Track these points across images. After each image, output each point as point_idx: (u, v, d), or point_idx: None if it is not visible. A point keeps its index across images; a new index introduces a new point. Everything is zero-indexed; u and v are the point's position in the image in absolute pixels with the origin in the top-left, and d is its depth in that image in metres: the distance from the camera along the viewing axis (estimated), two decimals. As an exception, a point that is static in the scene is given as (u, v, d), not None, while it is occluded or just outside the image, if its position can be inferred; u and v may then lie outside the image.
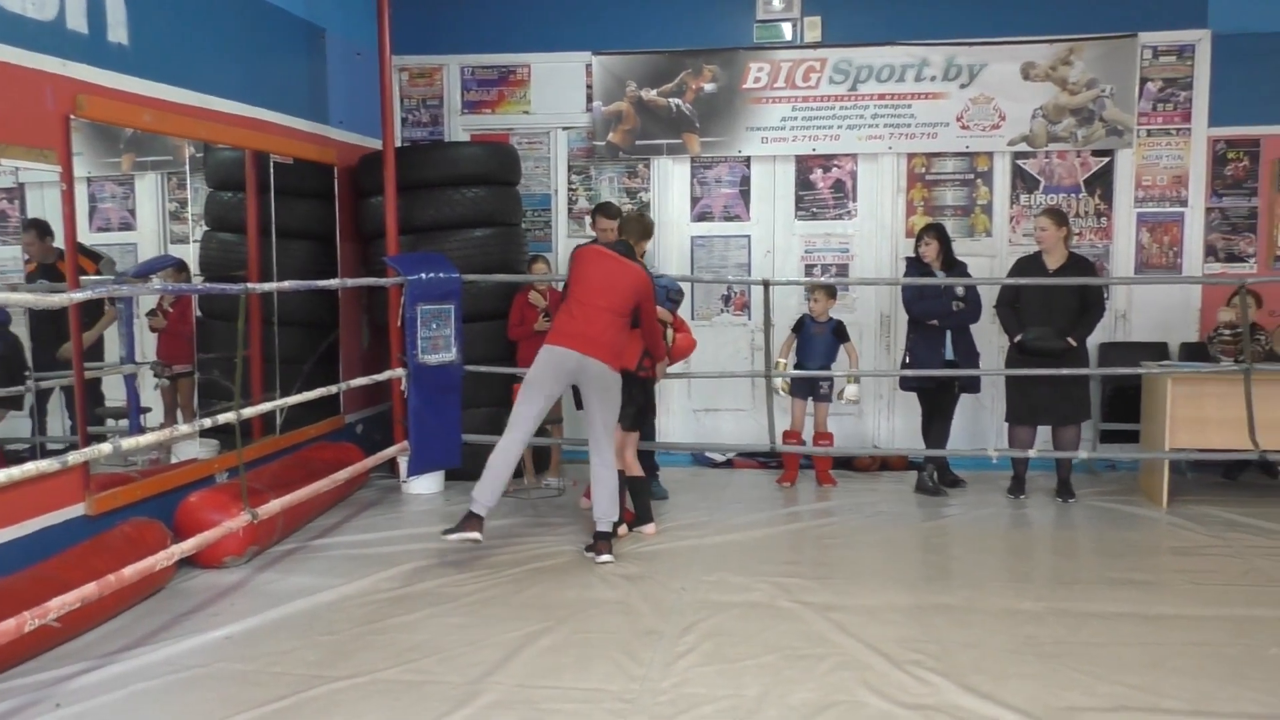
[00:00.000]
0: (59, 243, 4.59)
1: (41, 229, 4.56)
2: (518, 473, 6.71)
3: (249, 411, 4.93)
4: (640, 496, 5.73)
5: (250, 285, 4.92)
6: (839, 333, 6.72)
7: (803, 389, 6.78)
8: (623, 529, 5.54)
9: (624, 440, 5.59)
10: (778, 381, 6.61)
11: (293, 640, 4.09)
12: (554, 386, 5.20)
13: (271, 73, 6.29)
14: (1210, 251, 7.40)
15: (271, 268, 6.25)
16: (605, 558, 5.07)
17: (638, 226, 5.58)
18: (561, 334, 5.14)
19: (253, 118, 6.02)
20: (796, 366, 6.75)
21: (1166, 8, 7.25)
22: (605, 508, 5.18)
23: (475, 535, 4.99)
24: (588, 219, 7.84)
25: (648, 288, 5.29)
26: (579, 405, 6.05)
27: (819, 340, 6.70)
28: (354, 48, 7.21)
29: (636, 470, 5.71)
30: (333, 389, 5.91)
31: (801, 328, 6.78)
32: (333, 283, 6.22)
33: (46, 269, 4.57)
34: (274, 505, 4.99)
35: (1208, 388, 6.08)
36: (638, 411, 5.64)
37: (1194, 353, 7.09)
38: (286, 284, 5.49)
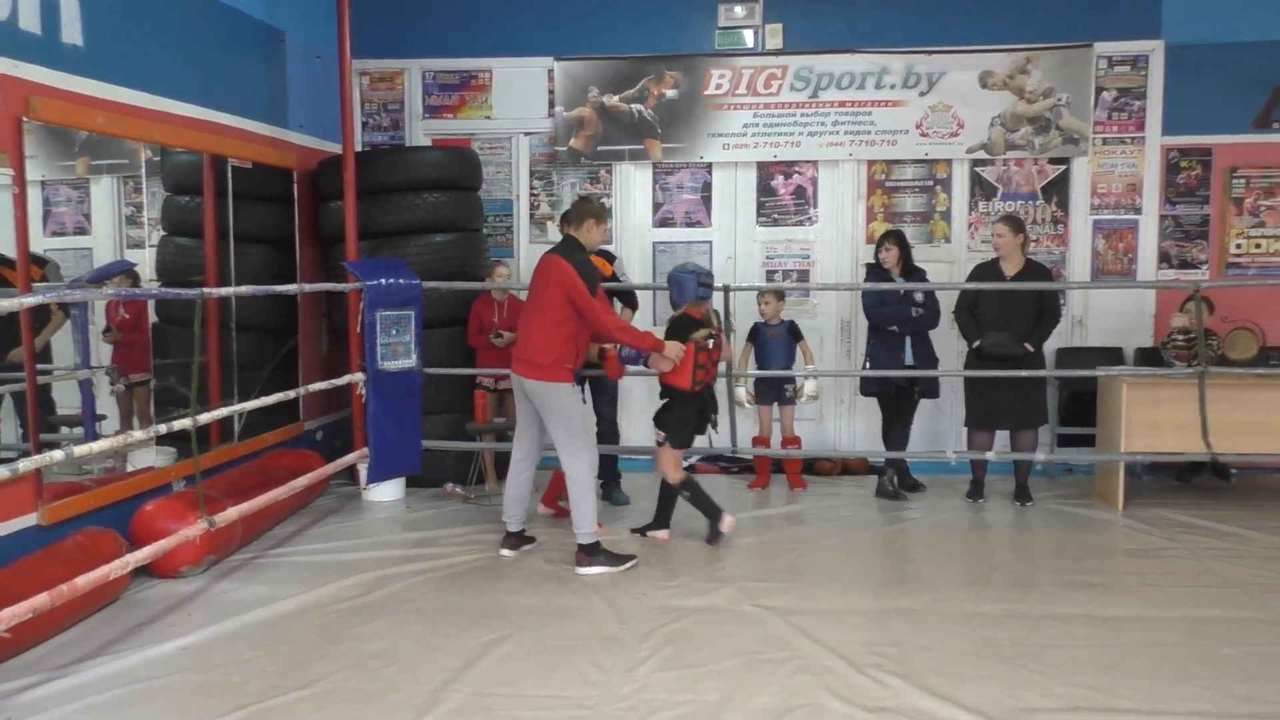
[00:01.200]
0: (8, 248, 4.50)
1: None
2: (479, 479, 6.71)
3: (205, 418, 4.86)
4: (665, 502, 5.67)
5: (206, 290, 4.86)
6: (794, 332, 6.76)
7: (767, 394, 6.80)
8: (664, 533, 5.63)
9: (666, 454, 5.52)
10: (740, 393, 6.62)
11: (251, 650, 4.04)
12: (528, 410, 5.27)
13: (229, 75, 6.23)
14: (1164, 258, 7.51)
15: (229, 273, 6.18)
16: (590, 570, 5.02)
17: (570, 212, 5.46)
18: (513, 358, 5.28)
19: (210, 121, 5.95)
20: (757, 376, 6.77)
21: (1121, 18, 7.37)
22: (577, 521, 5.10)
23: (504, 552, 5.33)
24: (550, 224, 7.85)
25: (566, 274, 5.02)
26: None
27: (775, 343, 6.73)
28: (314, 51, 7.16)
29: (673, 477, 5.56)
30: (291, 394, 5.85)
31: (756, 334, 6.80)
32: (291, 288, 6.16)
33: None
34: (232, 513, 4.92)
35: (1162, 392, 6.18)
36: (686, 428, 5.50)
37: (1149, 358, 7.20)
38: (243, 289, 5.44)
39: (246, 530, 5.41)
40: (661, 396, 5.61)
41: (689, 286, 5.47)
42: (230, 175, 6.16)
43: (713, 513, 5.50)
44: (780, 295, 6.85)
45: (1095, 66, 7.42)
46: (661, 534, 5.66)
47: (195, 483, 4.80)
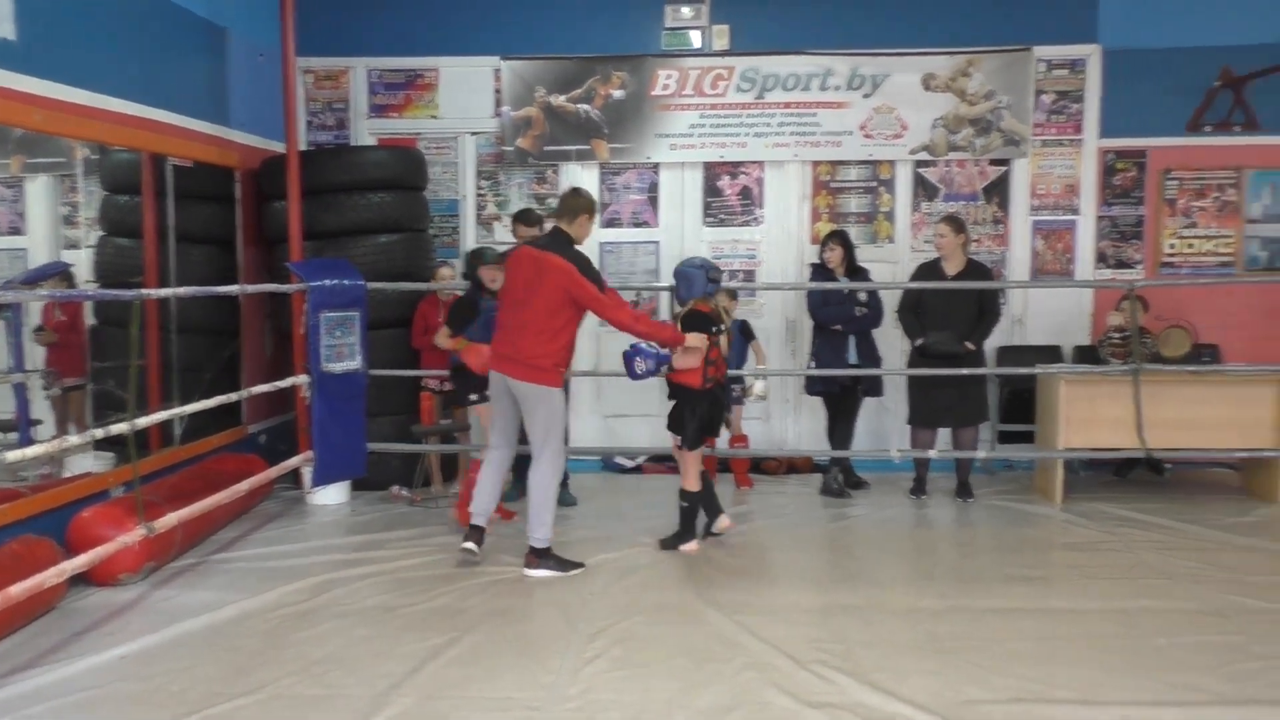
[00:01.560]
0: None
1: None
2: (425, 482, 6.67)
3: (144, 422, 4.78)
4: (687, 515, 5.42)
5: (144, 291, 4.78)
6: (745, 332, 6.81)
7: None
8: (694, 546, 5.36)
9: (688, 459, 5.37)
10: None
11: (192, 658, 3.99)
12: (506, 405, 5.11)
13: (170, 73, 6.12)
14: (1101, 258, 7.68)
15: (170, 274, 6.08)
16: (537, 573, 4.98)
17: (562, 205, 5.14)
18: (494, 355, 5.10)
19: (150, 119, 5.84)
20: None
21: (1059, 23, 7.51)
22: (534, 524, 5.02)
23: (468, 546, 5.14)
24: (497, 224, 7.83)
25: (570, 277, 4.87)
26: None
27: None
28: (257, 48, 7.07)
29: (694, 485, 5.39)
30: (233, 397, 5.77)
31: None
32: (232, 289, 6.07)
33: None
34: (171, 519, 4.85)
35: (1099, 389, 6.31)
36: (700, 427, 5.31)
37: (1086, 355, 7.35)
38: (183, 289, 5.34)
39: (187, 536, 5.33)
40: (670, 398, 5.42)
41: (698, 281, 5.25)
42: (171, 174, 6.07)
43: (702, 520, 5.49)
44: (733, 295, 6.86)
45: (1034, 69, 7.55)
46: (690, 546, 5.38)
47: (134, 488, 4.72)
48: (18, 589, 3.81)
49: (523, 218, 6.40)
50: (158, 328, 6.01)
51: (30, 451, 4.22)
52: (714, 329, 5.23)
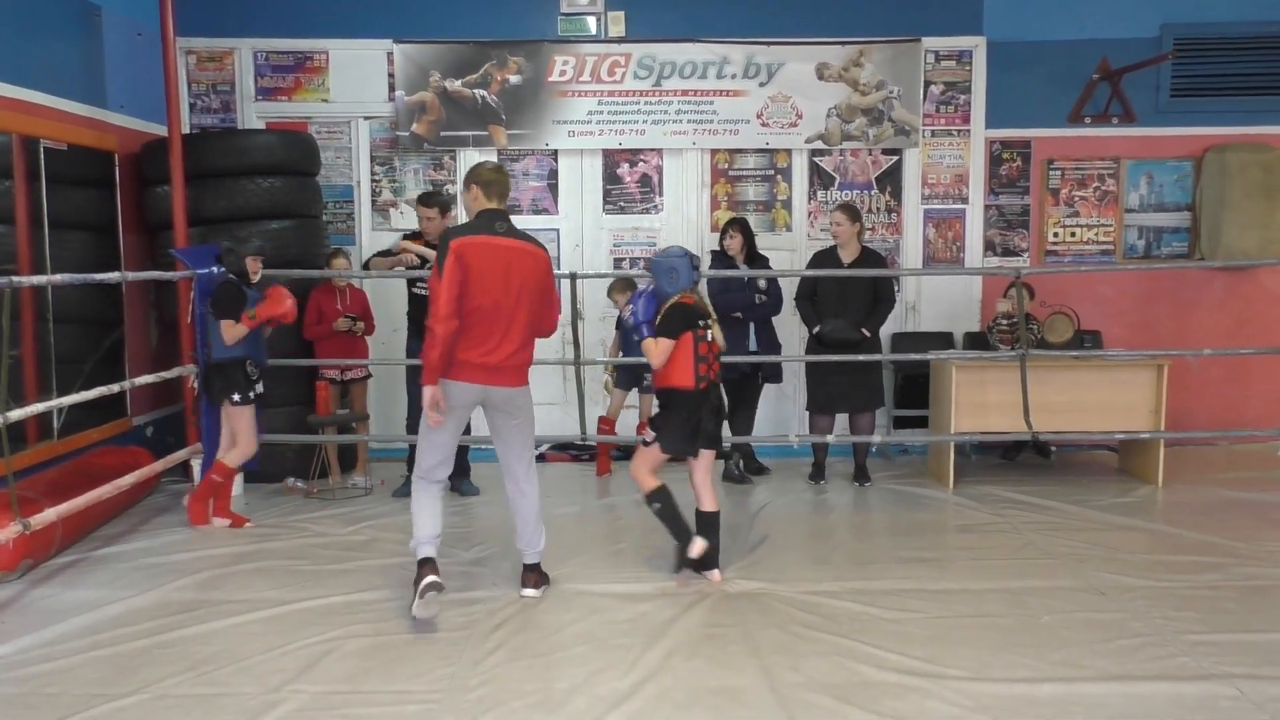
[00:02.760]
0: None
1: None
2: (323, 472, 6.53)
3: (16, 415, 4.56)
4: (668, 515, 4.77)
5: (14, 279, 4.56)
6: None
7: (627, 380, 6.85)
8: (717, 575, 4.72)
9: (641, 455, 4.82)
10: (606, 379, 6.68)
11: (71, 658, 3.83)
12: (462, 421, 4.47)
13: (38, 51, 5.84)
14: (989, 246, 7.89)
15: (45, 260, 5.81)
16: (530, 591, 4.49)
17: (503, 185, 4.46)
18: (468, 365, 4.26)
19: (16, 99, 5.57)
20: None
21: (946, 15, 7.69)
22: (529, 538, 4.53)
23: (435, 579, 4.16)
24: (392, 210, 7.68)
25: (550, 268, 4.50)
26: None
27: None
28: (135, 28, 6.78)
29: (645, 484, 4.80)
30: (114, 388, 5.55)
31: (621, 323, 6.80)
32: (113, 276, 5.81)
33: None
34: (49, 515, 4.65)
35: (988, 374, 6.49)
36: (690, 435, 4.70)
37: (976, 342, 7.55)
38: (58, 277, 5.10)
39: (68, 532, 5.11)
40: (662, 405, 4.82)
41: (683, 272, 4.69)
42: (43, 157, 5.79)
43: (682, 535, 4.72)
44: (629, 286, 6.84)
45: (923, 61, 7.71)
46: (714, 574, 4.74)
47: (8, 483, 4.50)
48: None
49: (424, 200, 6.30)
50: (33, 316, 5.74)
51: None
52: (700, 323, 4.68)
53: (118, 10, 6.61)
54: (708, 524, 4.74)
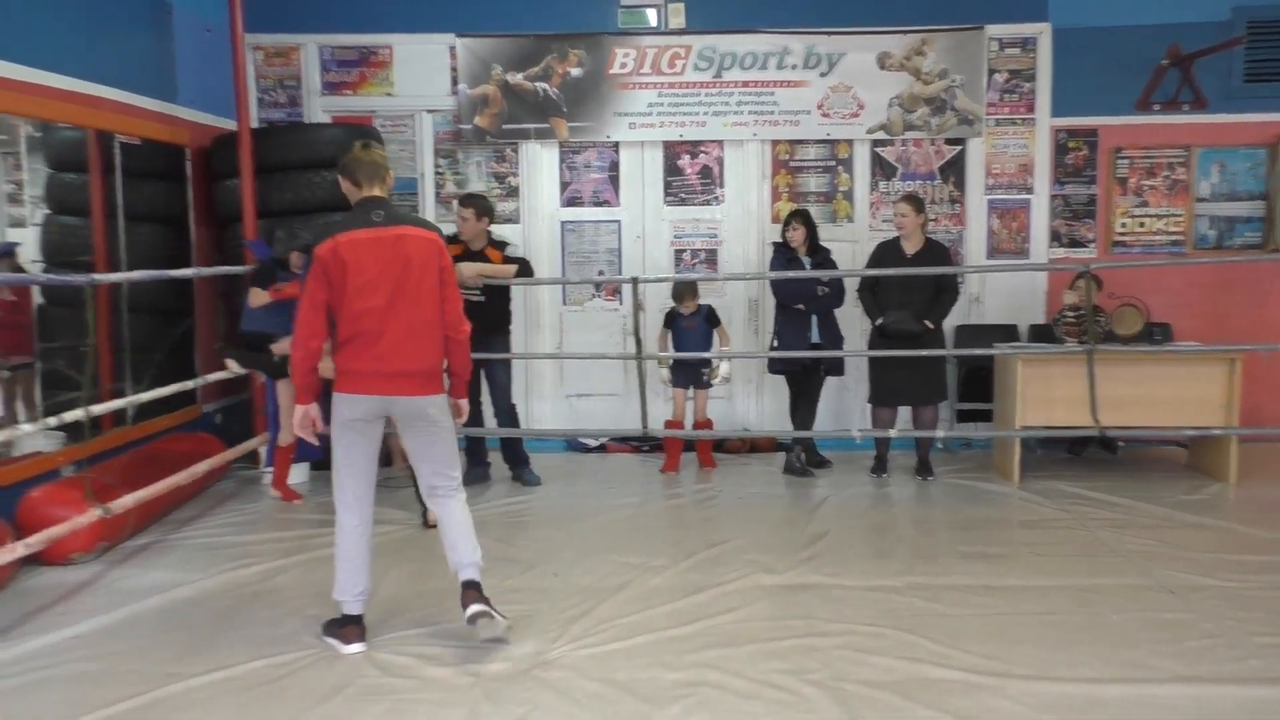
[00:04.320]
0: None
1: None
2: (386, 461, 6.59)
3: (98, 409, 4.70)
4: None
5: (96, 277, 4.69)
6: (711, 319, 6.78)
7: (682, 378, 6.80)
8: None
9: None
10: (664, 372, 6.68)
11: (146, 637, 3.94)
12: (374, 439, 3.90)
13: (113, 48, 5.99)
14: (1055, 237, 7.75)
15: (120, 252, 5.96)
16: (476, 608, 3.82)
17: (374, 165, 3.95)
18: (370, 374, 3.77)
19: (93, 95, 5.71)
20: (674, 361, 6.78)
21: (1010, 1, 7.55)
22: (462, 553, 3.93)
23: (357, 648, 3.80)
24: (455, 203, 7.75)
25: (448, 255, 3.97)
26: None
27: (692, 333, 6.72)
28: (204, 24, 6.92)
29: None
30: (189, 385, 5.70)
31: (673, 321, 6.80)
32: (187, 272, 5.98)
33: None
34: (126, 499, 4.78)
35: (1054, 368, 6.38)
36: None
37: (1041, 334, 7.43)
38: (136, 274, 5.25)
39: (141, 516, 5.25)
40: None
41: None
42: (118, 152, 5.94)
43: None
44: (693, 290, 6.79)
45: (987, 48, 7.59)
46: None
47: (84, 468, 4.64)
48: (-35, 571, 3.74)
49: (464, 201, 6.34)
50: (109, 308, 5.89)
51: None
52: None
53: (188, 7, 6.75)
54: None
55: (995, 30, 7.58)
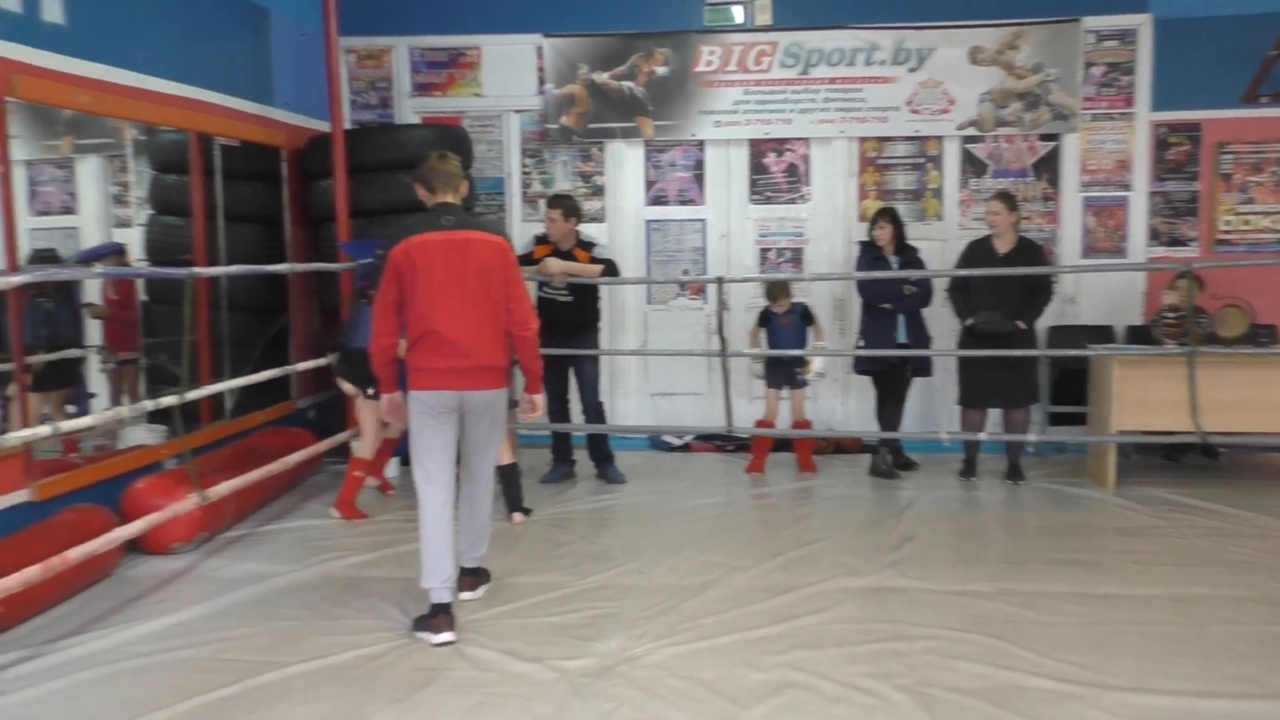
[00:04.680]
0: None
1: None
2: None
3: (194, 395, 4.85)
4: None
5: (196, 270, 4.84)
6: (805, 317, 6.70)
7: (776, 378, 6.74)
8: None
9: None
10: (757, 367, 6.65)
11: (244, 626, 4.05)
12: (452, 430, 4.09)
13: (214, 53, 6.17)
14: (1154, 235, 7.52)
15: (219, 251, 6.15)
16: (467, 595, 4.30)
17: (447, 174, 4.18)
18: (436, 371, 3.98)
19: (195, 99, 5.90)
20: (768, 359, 6.73)
21: (1109, -8, 7.36)
22: (471, 543, 4.33)
23: (447, 637, 3.91)
24: (541, 202, 7.82)
25: (513, 259, 4.16)
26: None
27: (786, 331, 6.65)
28: (299, 28, 7.09)
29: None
30: (280, 372, 5.85)
31: (767, 320, 6.75)
32: (281, 267, 6.14)
33: None
34: (223, 490, 4.93)
35: (1152, 370, 6.19)
36: None
37: (1139, 336, 7.21)
38: (234, 268, 5.43)
39: (238, 507, 5.42)
40: None
41: None
42: (218, 153, 6.12)
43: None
44: (785, 290, 6.71)
45: (1083, 41, 7.39)
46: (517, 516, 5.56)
47: (186, 460, 4.79)
48: (75, 553, 3.92)
49: (551, 202, 6.38)
50: (208, 305, 6.08)
51: (83, 421, 4.32)
52: None
53: (284, 12, 6.93)
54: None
55: (1092, 22, 7.37)
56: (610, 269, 6.42)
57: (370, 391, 5.55)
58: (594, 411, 6.52)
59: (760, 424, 6.80)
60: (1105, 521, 5.64)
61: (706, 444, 7.54)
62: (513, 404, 4.73)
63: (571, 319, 6.33)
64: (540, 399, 4.34)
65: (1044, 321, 6.84)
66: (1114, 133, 7.49)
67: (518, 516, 5.59)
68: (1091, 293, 7.54)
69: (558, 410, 6.51)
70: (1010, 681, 3.50)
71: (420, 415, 3.99)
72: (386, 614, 4.17)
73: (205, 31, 6.10)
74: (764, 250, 7.80)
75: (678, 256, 7.82)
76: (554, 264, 6.18)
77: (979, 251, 6.40)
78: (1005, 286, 6.25)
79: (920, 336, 6.57)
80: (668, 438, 7.61)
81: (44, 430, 4.11)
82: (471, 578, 4.37)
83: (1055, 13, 7.37)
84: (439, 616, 3.92)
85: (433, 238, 3.96)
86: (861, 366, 6.74)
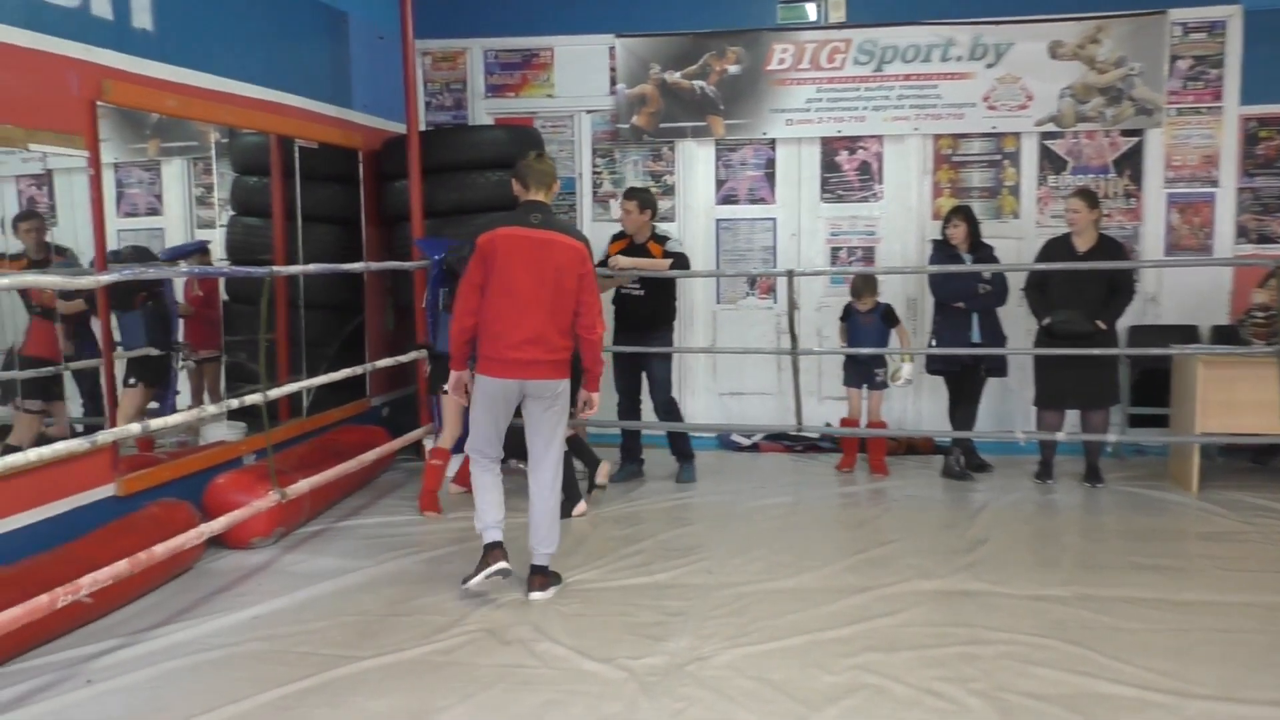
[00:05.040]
0: (86, 229, 4.60)
1: (40, 218, 4.53)
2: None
3: (276, 393, 4.96)
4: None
5: (276, 269, 4.95)
6: (888, 317, 6.61)
7: (855, 377, 6.67)
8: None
9: None
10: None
11: (319, 620, 4.13)
12: (505, 410, 4.43)
13: (295, 57, 6.30)
14: (1242, 232, 7.29)
15: (297, 252, 6.28)
16: (537, 595, 4.35)
17: (542, 173, 4.43)
18: (503, 362, 4.26)
19: (276, 102, 6.03)
20: (848, 356, 6.67)
21: (1197, -16, 7.15)
22: (541, 537, 4.42)
23: (504, 565, 4.36)
24: (612, 202, 7.85)
25: (588, 262, 4.39)
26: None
27: (868, 329, 6.57)
28: (377, 31, 7.21)
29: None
30: (357, 370, 5.95)
31: (849, 316, 6.69)
32: (357, 266, 6.25)
33: (41, 263, 4.48)
34: (302, 486, 5.03)
35: (1239, 371, 6.00)
36: None
37: (1225, 336, 7.00)
38: (312, 267, 5.54)
39: (314, 503, 5.52)
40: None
41: None
42: (297, 155, 6.25)
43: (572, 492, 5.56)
44: (874, 287, 6.62)
45: (1169, 34, 7.19)
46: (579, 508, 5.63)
47: (265, 456, 4.90)
48: (162, 549, 4.02)
49: (628, 194, 6.42)
50: (286, 304, 6.21)
51: (172, 419, 4.44)
52: None
53: (362, 16, 7.05)
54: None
55: (1179, 14, 7.17)
56: (680, 263, 6.39)
57: (446, 390, 5.62)
58: (666, 410, 6.52)
59: (845, 422, 6.74)
60: (1188, 526, 5.49)
61: (775, 444, 7.50)
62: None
63: (644, 314, 6.36)
64: (597, 397, 4.54)
65: (1124, 321, 6.67)
66: (1200, 127, 7.28)
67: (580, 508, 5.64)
68: (1174, 291, 7.34)
69: (629, 408, 6.53)
70: (1089, 688, 3.42)
71: (482, 398, 4.35)
72: (459, 610, 4.22)
73: (287, 35, 6.24)
74: (835, 249, 7.73)
75: (748, 255, 7.79)
76: (620, 260, 6.22)
77: (1058, 249, 6.27)
78: (1084, 285, 6.11)
79: (994, 336, 6.45)
80: (736, 437, 7.58)
81: (134, 428, 4.24)
82: (542, 577, 4.41)
83: (1140, 5, 7.18)
84: (492, 552, 4.33)
85: (518, 232, 4.23)
86: (934, 366, 6.65)
